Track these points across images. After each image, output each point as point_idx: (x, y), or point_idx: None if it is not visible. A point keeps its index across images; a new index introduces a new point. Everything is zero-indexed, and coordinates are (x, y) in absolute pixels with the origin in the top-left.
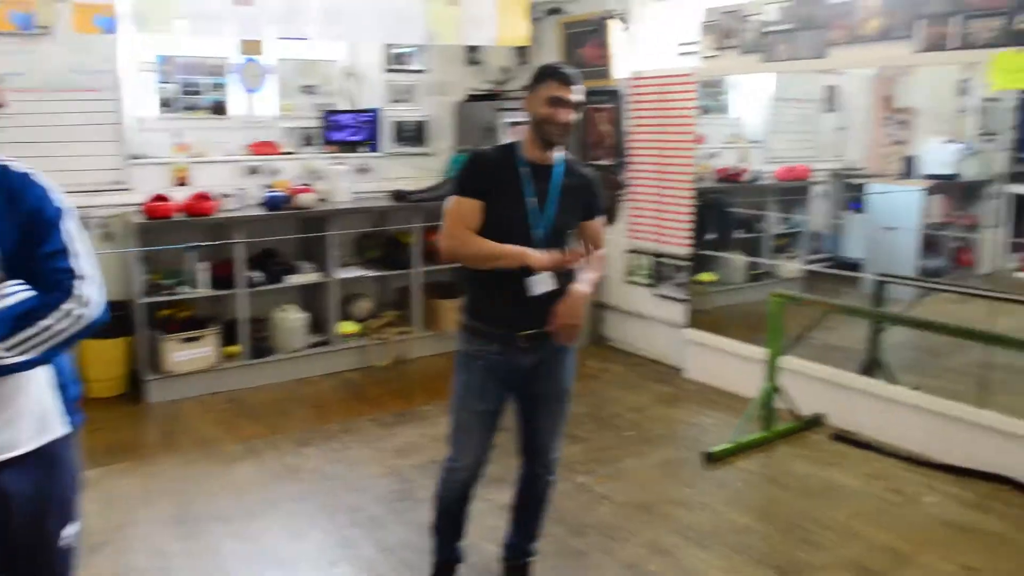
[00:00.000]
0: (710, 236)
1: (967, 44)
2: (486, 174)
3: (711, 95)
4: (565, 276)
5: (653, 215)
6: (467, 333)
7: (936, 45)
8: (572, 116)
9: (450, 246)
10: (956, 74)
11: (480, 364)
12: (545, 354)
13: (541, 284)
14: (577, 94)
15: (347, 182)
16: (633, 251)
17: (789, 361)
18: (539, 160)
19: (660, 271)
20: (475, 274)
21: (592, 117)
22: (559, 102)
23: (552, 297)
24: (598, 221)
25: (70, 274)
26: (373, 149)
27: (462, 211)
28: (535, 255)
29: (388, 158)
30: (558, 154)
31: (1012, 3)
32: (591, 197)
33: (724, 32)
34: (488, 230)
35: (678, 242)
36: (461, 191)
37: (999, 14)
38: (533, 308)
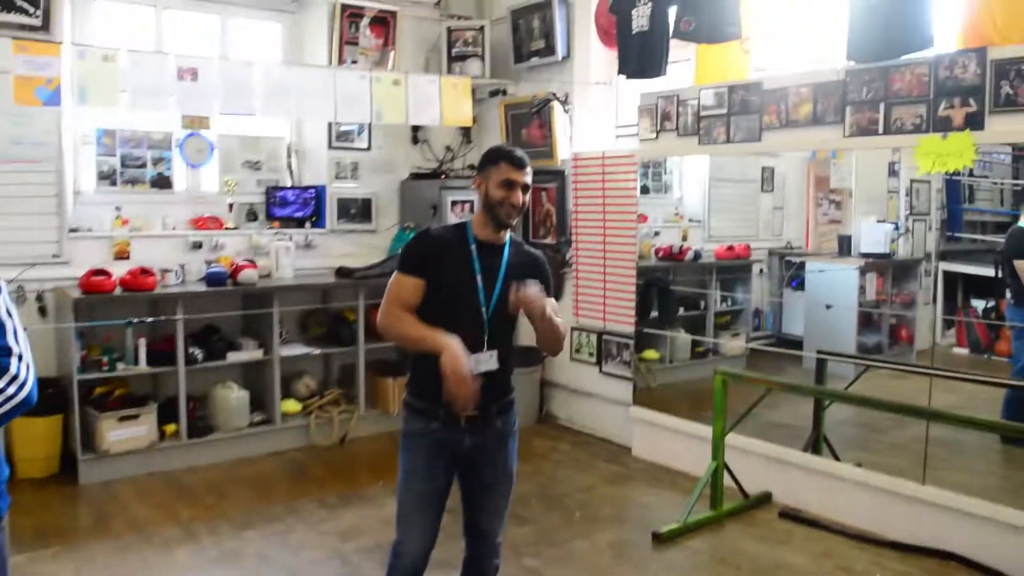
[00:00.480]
0: (654, 314)
1: (894, 130)
2: (431, 252)
3: (652, 175)
4: (507, 357)
5: (597, 293)
6: (410, 411)
7: (865, 130)
8: (523, 198)
9: (383, 323)
10: (886, 157)
11: (424, 442)
12: (488, 435)
13: (483, 363)
14: (527, 176)
15: (291, 258)
16: (578, 329)
17: (734, 439)
18: (489, 239)
19: (605, 349)
20: (418, 351)
21: (536, 196)
22: (512, 185)
23: (494, 378)
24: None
25: (5, 351)
26: (317, 225)
27: (401, 289)
28: (450, 353)
29: (332, 234)
30: (507, 234)
31: (934, 92)
32: (539, 276)
33: (662, 115)
34: (437, 308)
35: (622, 320)
36: (403, 269)
37: (922, 101)
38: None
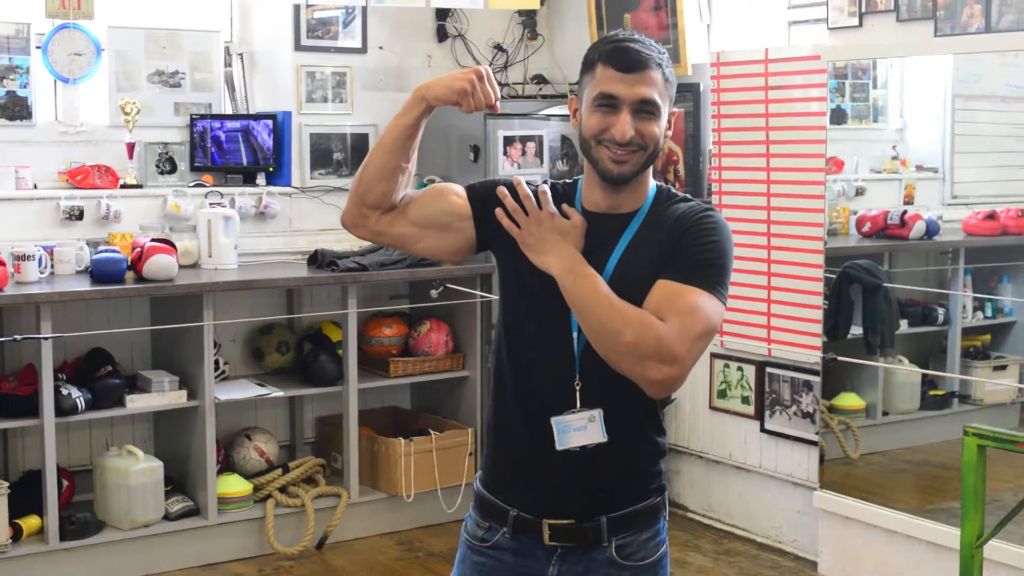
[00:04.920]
0: (855, 331)
1: None
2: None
3: (852, 91)
4: (627, 422)
5: (755, 295)
6: (474, 506)
7: None
8: (650, 129)
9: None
10: None
11: (479, 563)
12: (594, 569)
13: (577, 431)
14: (649, 87)
15: (233, 236)
16: (723, 356)
17: (1001, 550)
18: (602, 207)
19: (770, 391)
20: (492, 402)
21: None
22: (613, 104)
23: (602, 458)
24: (674, 285)
25: None
26: (277, 181)
27: (431, 191)
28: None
29: (303, 196)
30: (636, 194)
31: None
32: (677, 246)
33: None
34: (506, 317)
35: (800, 342)
36: (465, 186)
37: None
38: (567, 476)
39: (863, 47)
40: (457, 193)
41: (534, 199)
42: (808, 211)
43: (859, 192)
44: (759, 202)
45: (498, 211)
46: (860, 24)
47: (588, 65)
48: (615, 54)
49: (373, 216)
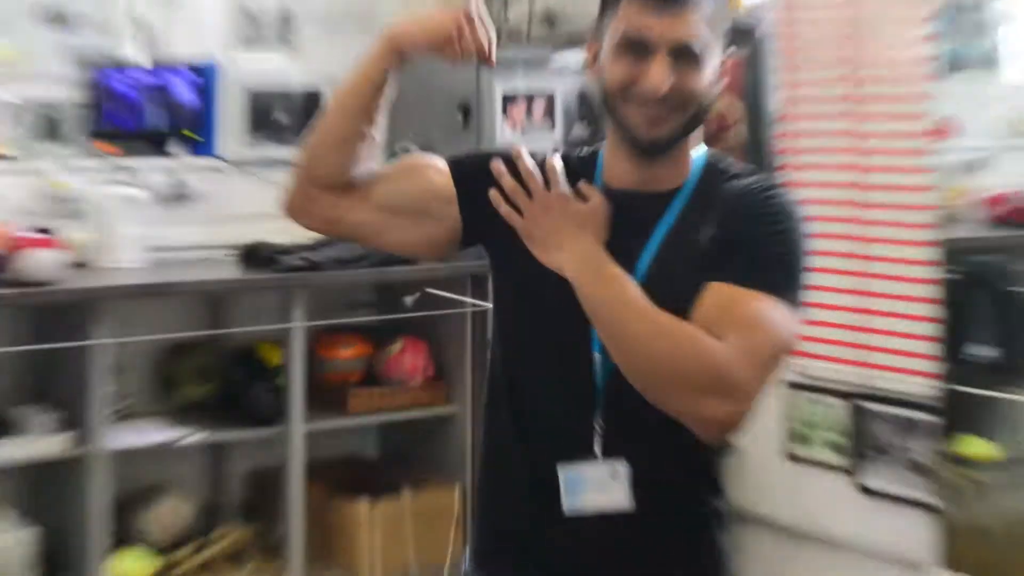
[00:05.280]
0: (981, 351)
1: None
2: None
3: (969, 31)
4: (661, 477)
5: (848, 305)
6: (472, 567)
7: None
8: (692, 80)
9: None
10: None
11: None
12: None
13: (595, 488)
14: (690, 25)
15: (139, 225)
16: (802, 387)
17: None
18: (629, 186)
19: (866, 435)
20: (486, 449)
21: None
22: (644, 47)
23: (630, 530)
24: (732, 290)
25: None
26: (201, 151)
27: (404, 168)
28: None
29: (235, 171)
30: (678, 164)
31: None
32: (736, 236)
33: None
34: (503, 334)
35: (909, 367)
36: (448, 159)
37: None
38: (581, 553)
39: None
40: (437, 168)
41: (540, 176)
42: (914, 190)
43: (982, 164)
44: (846, 179)
45: (492, 192)
46: None
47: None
48: None
49: (325, 199)
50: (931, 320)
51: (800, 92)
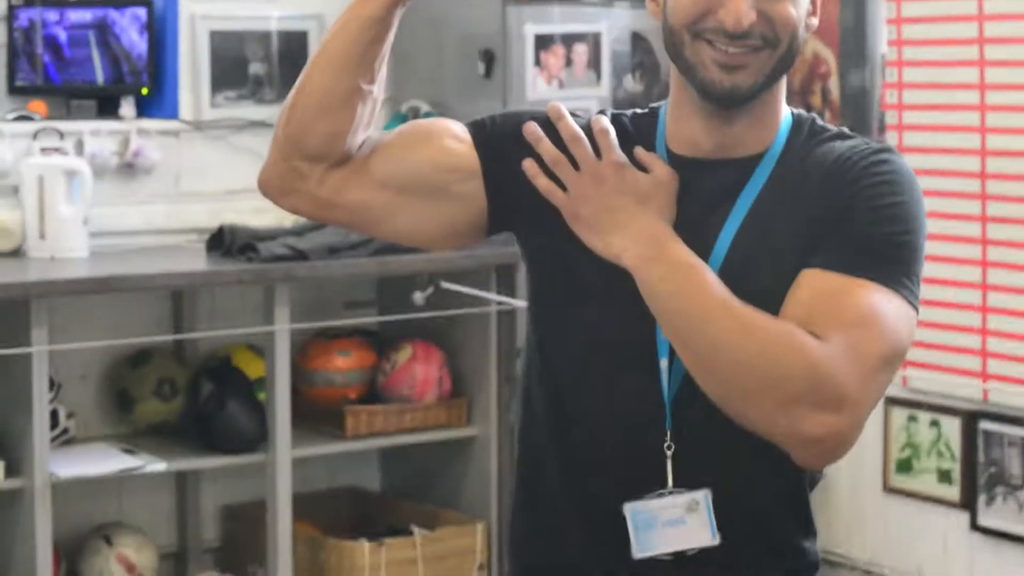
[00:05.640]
0: None
1: None
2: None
3: None
4: (748, 510)
5: (963, 302)
6: None
7: None
8: (782, 10)
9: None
10: None
11: None
12: None
13: (671, 526)
14: None
15: (81, 205)
16: (905, 404)
17: None
18: (701, 151)
19: (988, 462)
20: (520, 479)
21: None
22: None
23: (702, 566)
24: (834, 279)
25: None
26: (156, 111)
27: (413, 135)
28: None
29: (198, 136)
30: (765, 122)
31: None
32: (837, 212)
33: None
34: (543, 338)
35: None
36: (468, 123)
37: None
38: None
39: None
40: (456, 135)
41: (587, 141)
42: None
43: None
44: (968, 143)
45: (527, 163)
46: None
47: None
48: None
49: (315, 175)
50: None
51: (911, 33)
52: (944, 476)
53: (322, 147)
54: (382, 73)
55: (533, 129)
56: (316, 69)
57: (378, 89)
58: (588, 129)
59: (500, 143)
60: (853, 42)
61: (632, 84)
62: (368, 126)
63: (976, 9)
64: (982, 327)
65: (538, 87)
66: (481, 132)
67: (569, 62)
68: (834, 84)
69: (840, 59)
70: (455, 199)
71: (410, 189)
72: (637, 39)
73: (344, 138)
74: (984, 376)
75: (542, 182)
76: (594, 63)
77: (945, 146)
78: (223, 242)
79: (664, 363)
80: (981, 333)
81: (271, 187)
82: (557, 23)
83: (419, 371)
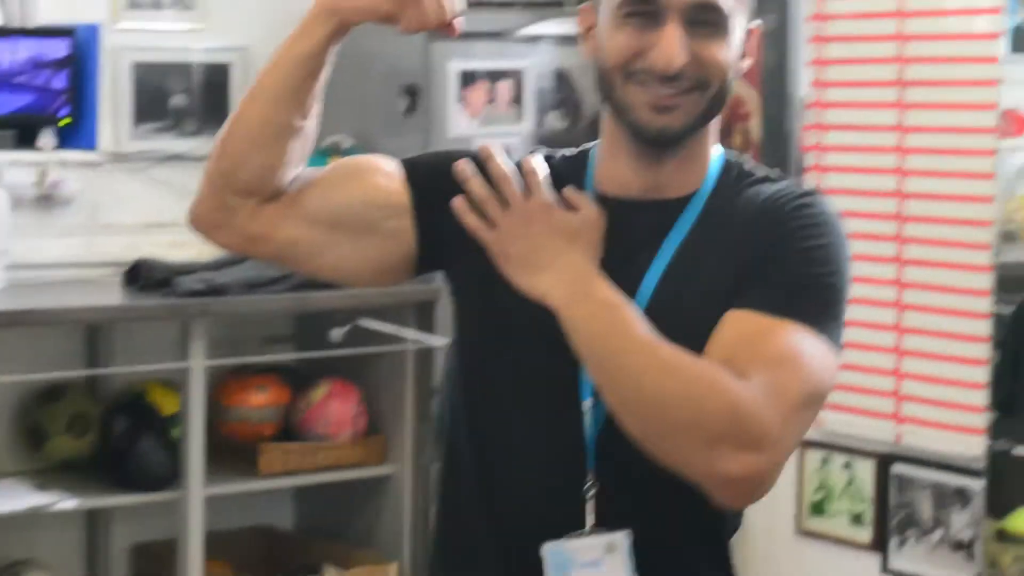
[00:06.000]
0: None
1: None
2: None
3: None
4: (667, 552)
5: (878, 344)
6: None
7: None
8: (714, 53)
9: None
10: None
11: None
12: None
13: (588, 567)
14: None
15: None
16: (820, 446)
17: None
18: (631, 192)
19: (900, 504)
20: (440, 518)
21: None
22: (652, 11)
23: None
24: (759, 319)
25: None
26: (75, 142)
27: (343, 171)
28: None
29: (118, 168)
30: (693, 162)
31: None
32: (762, 253)
33: None
34: (467, 376)
35: (952, 422)
36: (402, 160)
37: None
38: None
39: None
40: (386, 172)
41: (515, 181)
42: (968, 200)
43: None
44: (885, 185)
45: (457, 201)
46: None
47: None
48: None
49: (246, 210)
50: (980, 363)
51: (832, 75)
52: (856, 519)
53: (254, 182)
54: (316, 109)
55: (463, 167)
56: (251, 103)
57: (311, 125)
58: (519, 169)
59: (430, 181)
60: (774, 84)
61: (555, 122)
62: (301, 162)
63: (895, 52)
64: (896, 369)
65: (461, 123)
66: (412, 169)
67: (492, 99)
68: (755, 125)
69: (762, 100)
70: (384, 236)
71: (340, 225)
72: (561, 77)
73: (276, 173)
74: (898, 419)
75: (471, 220)
76: (517, 100)
77: (863, 188)
78: (140, 276)
79: (587, 403)
80: (895, 375)
81: (201, 221)
82: (481, 60)
83: (335, 409)
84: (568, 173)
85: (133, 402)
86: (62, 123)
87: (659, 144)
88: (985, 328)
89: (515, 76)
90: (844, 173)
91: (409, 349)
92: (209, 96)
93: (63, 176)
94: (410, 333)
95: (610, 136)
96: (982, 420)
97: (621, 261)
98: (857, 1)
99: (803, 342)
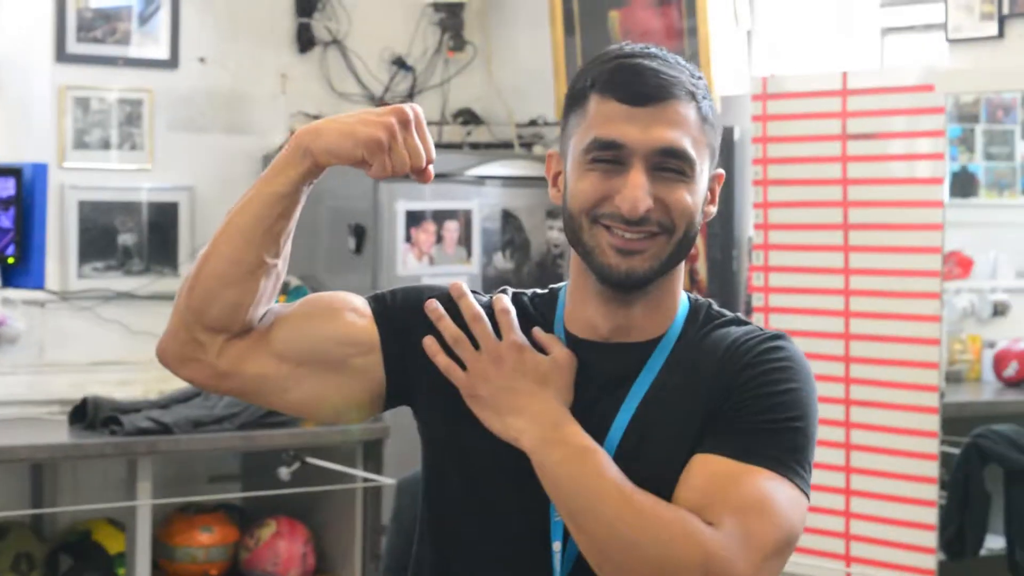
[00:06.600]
0: (991, 545)
1: None
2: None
3: (984, 144)
4: None
5: (828, 484)
6: None
7: None
8: (679, 198)
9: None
10: None
11: None
12: None
13: None
14: (683, 128)
15: None
16: None
17: None
18: (599, 335)
19: None
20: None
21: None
22: (618, 157)
23: None
24: (727, 464)
25: None
26: (21, 281)
27: (313, 307)
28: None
29: (64, 306)
30: (662, 307)
31: None
32: (730, 397)
33: None
34: (434, 516)
35: (900, 562)
36: (369, 296)
37: None
38: None
39: (1004, 72)
40: (356, 309)
41: (487, 321)
42: (914, 342)
43: (998, 311)
44: (832, 327)
45: (428, 340)
46: (1000, 33)
47: (576, 98)
48: (619, 76)
49: (215, 344)
50: (929, 504)
51: (777, 217)
52: None
53: (224, 318)
54: (287, 248)
55: (434, 307)
56: (222, 240)
57: (282, 263)
58: (489, 308)
59: (400, 318)
60: (720, 225)
61: (502, 261)
62: (270, 299)
63: (841, 196)
64: (845, 510)
65: (409, 263)
66: (382, 307)
67: (440, 239)
68: (702, 266)
69: (708, 242)
70: (353, 373)
71: (309, 362)
72: (508, 217)
73: (246, 310)
74: (848, 559)
75: (441, 360)
76: (465, 240)
77: (810, 329)
78: (86, 414)
79: (557, 545)
80: (845, 516)
81: (169, 356)
82: (428, 200)
83: (283, 547)
84: (538, 313)
85: (79, 541)
86: (9, 261)
87: (625, 287)
88: (933, 469)
89: (462, 216)
90: (791, 314)
91: (358, 487)
92: (156, 235)
93: (9, 314)
94: (358, 472)
95: (578, 279)
96: (931, 561)
97: (590, 403)
98: (802, 146)
99: (773, 488)
